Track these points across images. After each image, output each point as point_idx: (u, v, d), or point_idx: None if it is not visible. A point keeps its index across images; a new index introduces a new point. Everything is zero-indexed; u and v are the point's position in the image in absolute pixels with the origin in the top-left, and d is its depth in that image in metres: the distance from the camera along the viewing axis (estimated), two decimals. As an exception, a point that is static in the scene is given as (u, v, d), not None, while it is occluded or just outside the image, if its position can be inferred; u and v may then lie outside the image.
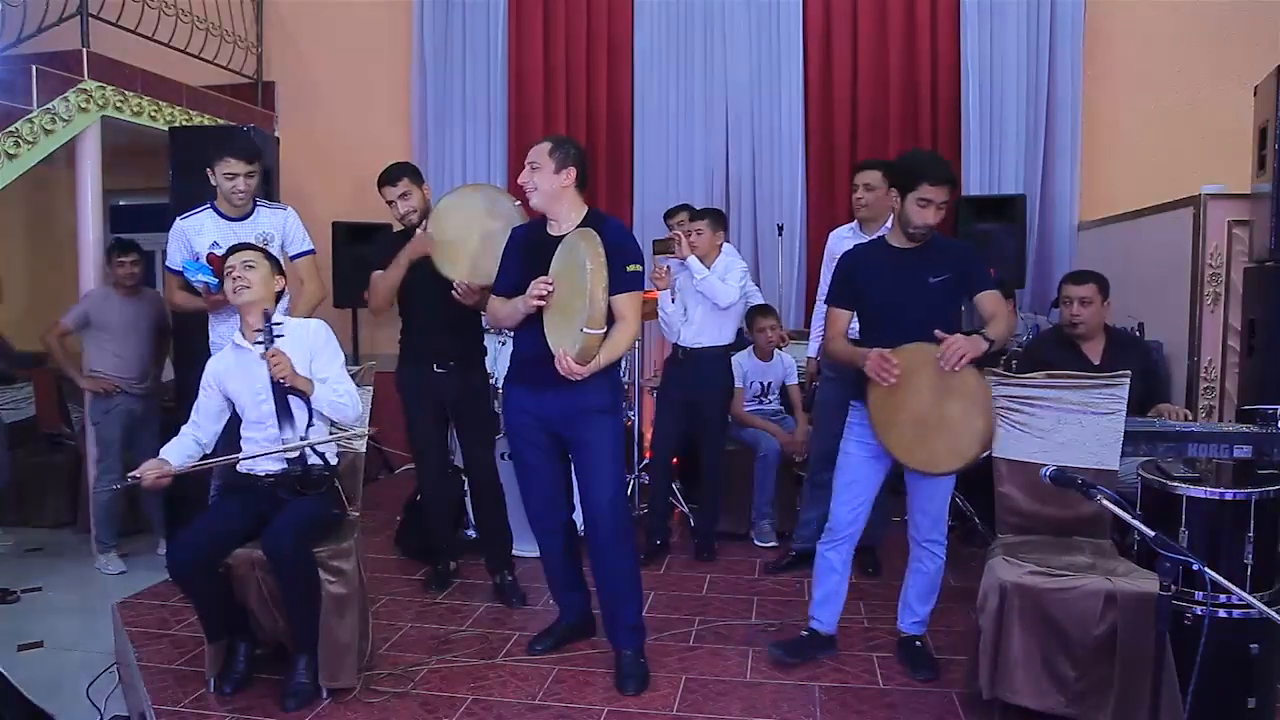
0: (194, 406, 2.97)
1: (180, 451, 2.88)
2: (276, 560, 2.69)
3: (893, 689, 2.86)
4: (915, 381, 2.70)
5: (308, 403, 2.84)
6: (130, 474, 2.79)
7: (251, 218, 3.58)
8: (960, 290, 2.84)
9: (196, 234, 3.52)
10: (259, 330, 2.82)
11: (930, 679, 2.89)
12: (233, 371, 2.93)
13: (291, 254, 3.68)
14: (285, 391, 2.80)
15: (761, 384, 4.57)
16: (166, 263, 3.61)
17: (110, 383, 4.38)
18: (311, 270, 3.72)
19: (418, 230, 3.44)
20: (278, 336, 2.81)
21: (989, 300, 2.80)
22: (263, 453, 2.85)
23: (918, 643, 3.00)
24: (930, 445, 2.71)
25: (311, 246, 3.76)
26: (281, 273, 3.03)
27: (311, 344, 2.92)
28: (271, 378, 2.78)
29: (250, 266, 2.90)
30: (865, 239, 3.73)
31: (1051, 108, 5.34)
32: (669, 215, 4.79)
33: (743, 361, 4.50)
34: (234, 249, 3.02)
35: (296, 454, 2.83)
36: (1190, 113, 5.12)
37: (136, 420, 4.48)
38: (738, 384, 4.42)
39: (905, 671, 2.94)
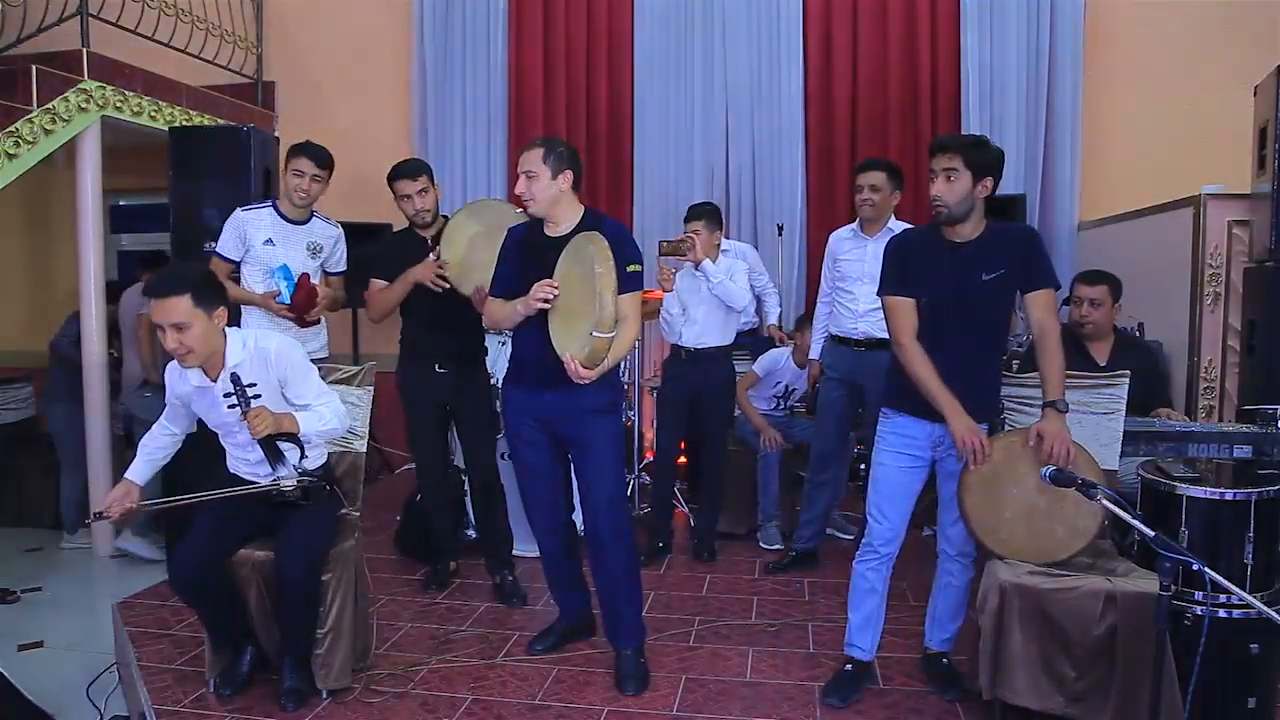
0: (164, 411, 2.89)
1: (148, 466, 2.86)
2: (290, 580, 2.67)
3: (893, 689, 2.86)
4: (1015, 472, 2.57)
5: (297, 439, 2.75)
6: (95, 510, 2.76)
7: (308, 225, 3.75)
8: (1014, 284, 2.60)
9: (255, 228, 3.64)
10: (229, 395, 2.60)
11: (959, 699, 2.76)
12: (197, 399, 2.77)
13: (332, 271, 3.89)
14: (273, 439, 2.68)
15: (786, 387, 4.54)
16: (217, 249, 3.69)
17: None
18: (340, 285, 3.97)
19: (429, 255, 3.47)
20: (254, 398, 2.61)
21: (1040, 305, 2.57)
22: (255, 489, 2.77)
23: (945, 660, 2.87)
24: (1049, 532, 2.56)
25: (346, 266, 3.97)
26: (224, 302, 2.67)
27: (276, 372, 2.72)
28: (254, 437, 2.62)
29: (181, 329, 2.53)
30: (866, 240, 3.72)
31: (1051, 107, 5.34)
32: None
33: (779, 358, 4.45)
34: (155, 294, 2.55)
35: (292, 484, 2.75)
36: (1190, 113, 5.12)
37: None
38: (761, 373, 4.41)
39: (933, 690, 2.82)
